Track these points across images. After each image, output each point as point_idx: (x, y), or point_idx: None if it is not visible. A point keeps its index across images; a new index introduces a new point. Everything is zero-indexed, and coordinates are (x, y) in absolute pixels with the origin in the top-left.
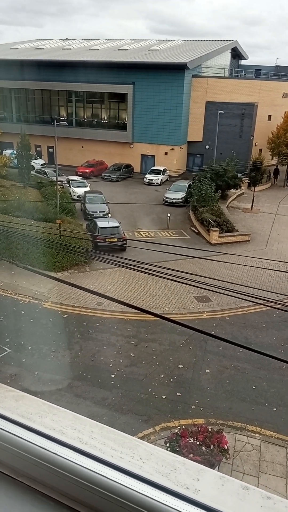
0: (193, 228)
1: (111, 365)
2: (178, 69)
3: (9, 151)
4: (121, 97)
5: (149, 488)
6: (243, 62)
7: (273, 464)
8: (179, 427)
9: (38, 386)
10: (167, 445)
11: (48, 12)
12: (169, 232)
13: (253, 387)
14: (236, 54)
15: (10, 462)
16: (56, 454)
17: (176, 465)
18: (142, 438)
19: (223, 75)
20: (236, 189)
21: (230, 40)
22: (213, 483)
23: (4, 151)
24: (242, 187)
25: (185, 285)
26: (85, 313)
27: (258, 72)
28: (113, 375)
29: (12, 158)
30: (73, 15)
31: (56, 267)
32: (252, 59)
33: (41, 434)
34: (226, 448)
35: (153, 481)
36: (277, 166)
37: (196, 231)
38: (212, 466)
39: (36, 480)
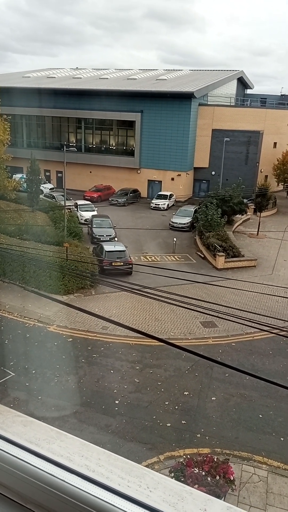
0: (199, 253)
1: (115, 391)
2: (185, 97)
3: (19, 175)
4: (129, 124)
5: None
6: (249, 91)
7: (280, 496)
8: (184, 457)
9: (41, 411)
10: (172, 474)
11: (62, 42)
12: (175, 256)
13: (260, 415)
14: (242, 84)
15: (18, 488)
16: (63, 481)
17: (183, 494)
18: (146, 467)
19: (229, 104)
20: (242, 215)
21: (236, 70)
22: None
23: (14, 176)
24: (248, 213)
25: (191, 310)
26: (90, 337)
27: (263, 101)
28: (117, 401)
29: (21, 182)
30: (86, 45)
31: (62, 290)
32: (259, 88)
33: (49, 460)
34: (232, 479)
35: (160, 510)
36: None
37: (202, 255)
38: (217, 497)
39: (43, 507)
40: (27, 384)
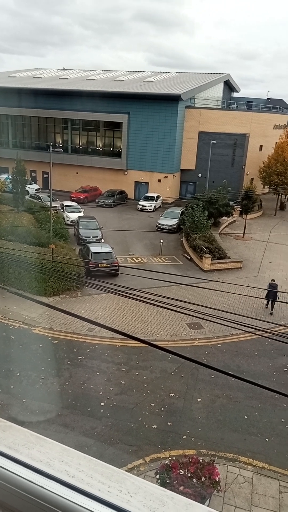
0: (185, 255)
1: (101, 393)
2: (172, 100)
3: (4, 176)
4: (116, 126)
5: None
6: (235, 94)
7: (265, 497)
8: (169, 458)
9: (26, 415)
10: (157, 476)
11: (50, 42)
12: (162, 258)
13: (245, 416)
14: (229, 87)
15: None
16: (42, 487)
17: (164, 499)
18: (131, 469)
19: (215, 107)
20: (228, 217)
21: (223, 73)
22: None
23: None
24: (234, 215)
25: (177, 312)
26: (75, 339)
27: (249, 104)
28: (102, 404)
29: (7, 183)
30: (74, 46)
31: (48, 291)
32: (246, 91)
33: (28, 466)
34: (217, 480)
35: None
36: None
37: (189, 257)
38: (203, 499)
39: None
40: (11, 387)
